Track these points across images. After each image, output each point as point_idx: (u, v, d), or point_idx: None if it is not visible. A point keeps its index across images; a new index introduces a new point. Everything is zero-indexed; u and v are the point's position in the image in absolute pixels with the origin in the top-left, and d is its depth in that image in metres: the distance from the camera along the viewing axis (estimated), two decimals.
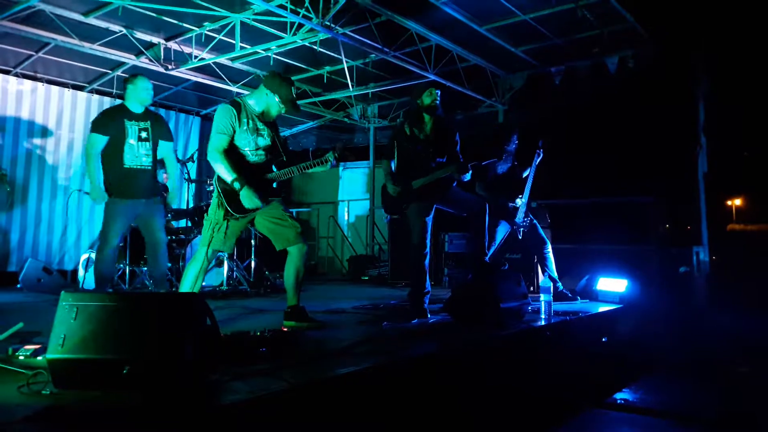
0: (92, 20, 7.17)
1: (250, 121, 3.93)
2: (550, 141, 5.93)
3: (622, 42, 7.95)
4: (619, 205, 8.29)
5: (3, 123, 8.05)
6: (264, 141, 3.98)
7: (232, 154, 3.89)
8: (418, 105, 4.70)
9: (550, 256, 5.97)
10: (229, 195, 3.85)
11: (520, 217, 5.83)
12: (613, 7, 7.08)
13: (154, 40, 8.03)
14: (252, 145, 3.93)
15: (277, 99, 3.95)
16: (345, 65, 8.60)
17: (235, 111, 3.87)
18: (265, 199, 3.92)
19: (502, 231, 5.90)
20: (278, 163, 4.04)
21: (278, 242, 4.05)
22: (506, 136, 5.97)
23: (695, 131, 7.99)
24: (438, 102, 4.67)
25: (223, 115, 3.86)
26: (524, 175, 5.95)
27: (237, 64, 8.72)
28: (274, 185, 4.02)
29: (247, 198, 3.80)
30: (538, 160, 5.88)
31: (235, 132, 3.87)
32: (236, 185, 3.78)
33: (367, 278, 9.57)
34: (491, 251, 5.82)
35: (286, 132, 12.33)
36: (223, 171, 3.81)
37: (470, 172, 4.65)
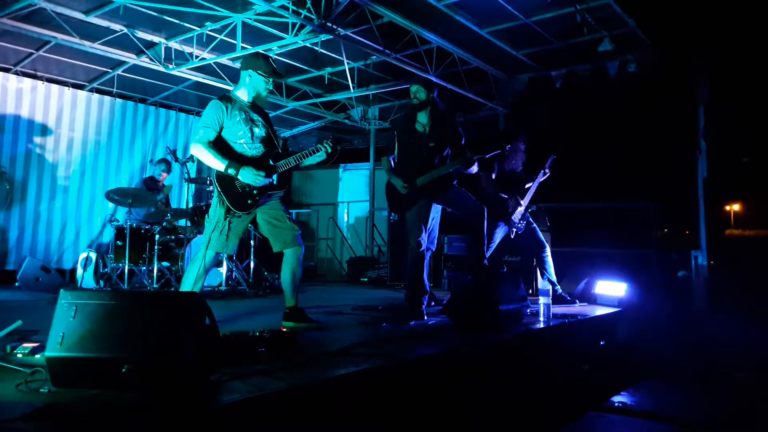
0: (93, 19, 7.16)
1: (242, 113, 3.90)
2: (559, 158, 5.94)
3: (623, 46, 7.95)
4: (619, 209, 8.30)
5: (2, 121, 8.03)
6: (260, 131, 3.95)
7: (230, 151, 3.85)
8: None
9: (549, 259, 5.97)
10: (228, 189, 3.80)
11: (517, 216, 5.83)
12: (614, 11, 7.09)
13: (155, 39, 8.03)
14: (248, 137, 3.88)
15: (259, 74, 3.93)
16: (346, 66, 8.61)
17: (223, 106, 3.84)
18: (266, 190, 3.89)
19: (500, 232, 5.91)
20: (274, 156, 3.99)
21: (276, 244, 4.02)
22: (515, 135, 5.97)
23: (695, 136, 8.00)
24: (421, 98, 4.67)
25: (211, 109, 3.83)
26: (527, 186, 5.94)
27: (238, 64, 8.70)
28: (274, 180, 3.97)
29: (249, 175, 3.75)
30: (543, 177, 5.90)
31: (222, 128, 3.83)
32: (231, 170, 3.72)
33: (366, 280, 9.57)
34: (489, 252, 5.84)
35: (286, 133, 12.33)
36: (213, 159, 3.74)
37: (476, 164, 4.66)
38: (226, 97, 3.94)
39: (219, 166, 3.74)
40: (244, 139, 3.88)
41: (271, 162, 3.95)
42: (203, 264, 3.83)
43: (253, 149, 3.92)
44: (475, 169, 4.73)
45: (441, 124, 4.75)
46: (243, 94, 3.99)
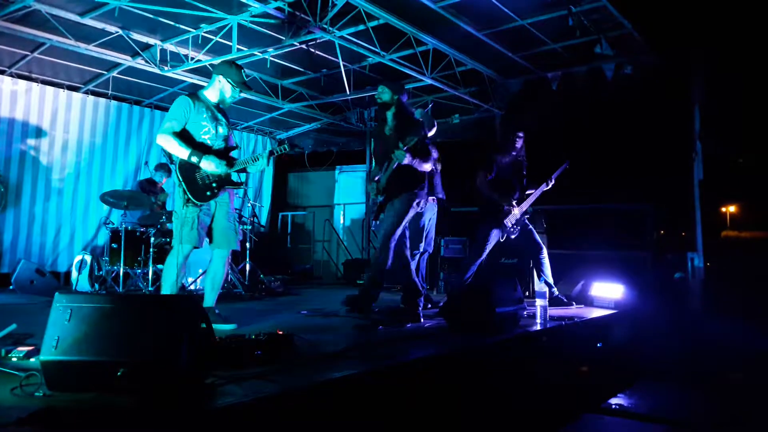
0: (88, 21, 7.14)
1: (208, 111, 4.08)
2: (572, 165, 5.96)
3: (619, 48, 7.96)
4: (615, 211, 8.31)
5: None
6: (224, 130, 4.16)
7: (194, 141, 4.00)
8: None
9: (546, 261, 5.95)
10: (190, 180, 3.96)
11: (510, 221, 5.79)
12: (611, 13, 7.10)
13: (151, 41, 8.00)
14: (213, 133, 4.07)
15: (229, 82, 4.12)
16: (342, 68, 8.60)
17: (191, 102, 4.01)
18: (224, 184, 4.05)
19: (494, 237, 5.87)
20: (233, 152, 4.23)
21: (221, 242, 4.17)
22: (510, 140, 5.94)
23: (691, 138, 8.01)
24: (384, 98, 4.88)
25: (178, 104, 4.01)
26: (528, 192, 5.91)
27: None
28: (234, 177, 4.14)
29: (212, 163, 3.93)
30: (546, 188, 5.90)
31: (187, 122, 3.98)
32: (194, 158, 3.90)
33: (362, 282, 9.53)
34: (483, 255, 5.83)
35: (283, 135, 12.31)
36: (177, 147, 3.91)
37: (407, 157, 4.73)
38: (194, 95, 4.11)
39: (182, 153, 3.91)
40: (209, 135, 4.06)
41: (232, 155, 4.17)
42: (178, 259, 3.95)
43: (216, 144, 4.10)
44: (428, 166, 4.89)
45: (405, 125, 4.86)
46: (211, 95, 4.17)
